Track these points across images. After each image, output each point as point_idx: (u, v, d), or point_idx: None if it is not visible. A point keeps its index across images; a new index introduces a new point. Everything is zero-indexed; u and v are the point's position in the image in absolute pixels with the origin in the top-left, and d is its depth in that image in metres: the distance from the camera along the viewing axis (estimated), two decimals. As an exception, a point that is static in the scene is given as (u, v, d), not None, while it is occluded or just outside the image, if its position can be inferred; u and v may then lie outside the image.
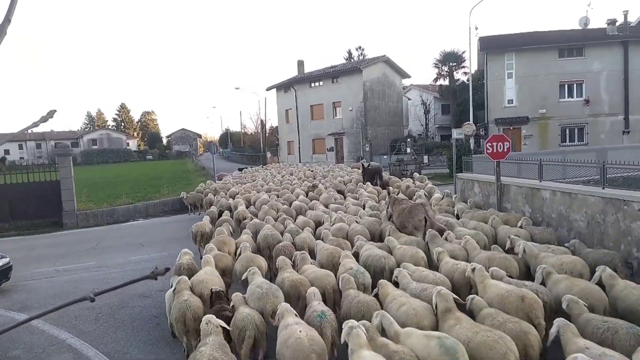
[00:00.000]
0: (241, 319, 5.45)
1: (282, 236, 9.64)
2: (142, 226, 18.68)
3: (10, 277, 10.42)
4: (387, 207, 10.85)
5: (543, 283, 6.30)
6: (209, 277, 7.04)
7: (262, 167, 35.47)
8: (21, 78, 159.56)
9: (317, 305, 5.68)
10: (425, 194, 14.81)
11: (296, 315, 5.38)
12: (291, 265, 7.51)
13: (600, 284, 5.96)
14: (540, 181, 10.58)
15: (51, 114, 1.52)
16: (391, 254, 7.91)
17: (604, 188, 8.50)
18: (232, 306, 5.97)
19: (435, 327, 5.16)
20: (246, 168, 34.00)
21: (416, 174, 19.77)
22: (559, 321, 4.74)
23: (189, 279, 6.94)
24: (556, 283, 6.11)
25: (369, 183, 17.14)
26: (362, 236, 9.20)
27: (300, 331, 4.79)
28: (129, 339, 7.32)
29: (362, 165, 20.46)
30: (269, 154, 52.69)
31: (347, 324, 4.63)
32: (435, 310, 5.32)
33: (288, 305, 5.58)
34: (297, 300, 6.31)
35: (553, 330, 4.70)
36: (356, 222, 10.65)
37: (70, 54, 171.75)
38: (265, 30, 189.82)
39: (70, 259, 12.93)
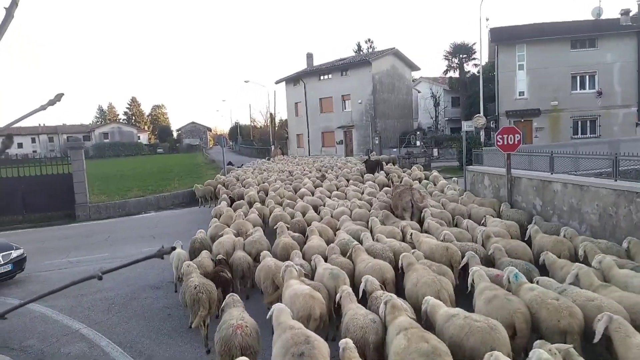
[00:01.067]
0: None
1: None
2: (153, 218, 18.84)
3: (24, 268, 10.61)
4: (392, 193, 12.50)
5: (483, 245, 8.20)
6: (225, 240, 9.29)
7: (268, 160, 35.44)
8: (33, 72, 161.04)
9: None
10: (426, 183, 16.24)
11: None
12: (287, 231, 9.74)
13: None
14: (552, 174, 10.50)
15: (59, 97, 1.53)
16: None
17: (616, 180, 8.41)
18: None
19: (395, 279, 6.95)
20: (231, 165, 30.86)
21: (414, 167, 20.08)
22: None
23: (201, 252, 8.82)
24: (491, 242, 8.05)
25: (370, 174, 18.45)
26: (347, 216, 11.03)
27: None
28: (141, 329, 7.43)
29: (367, 157, 22.42)
30: (273, 147, 52.70)
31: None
32: (401, 264, 6.98)
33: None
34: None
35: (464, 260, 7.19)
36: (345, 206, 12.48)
37: (82, 48, 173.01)
38: (274, 24, 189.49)
39: (82, 251, 13.10)
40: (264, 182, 19.19)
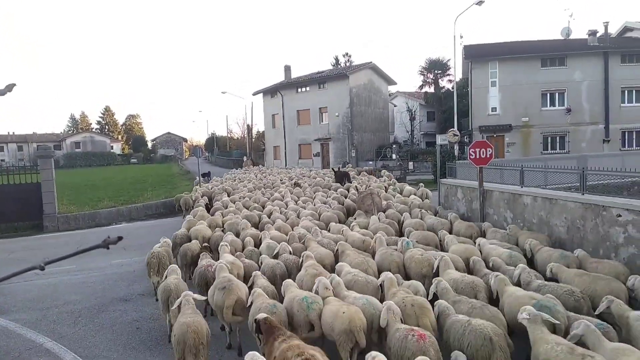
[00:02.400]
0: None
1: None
2: (124, 230, 18.43)
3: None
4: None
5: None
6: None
7: (242, 170, 35.37)
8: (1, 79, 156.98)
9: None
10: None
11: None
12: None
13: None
14: (522, 187, 10.74)
15: (10, 87, 1.49)
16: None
17: (583, 194, 8.65)
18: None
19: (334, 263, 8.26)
20: (207, 177, 30.50)
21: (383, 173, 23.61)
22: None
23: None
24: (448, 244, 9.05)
25: (339, 183, 20.52)
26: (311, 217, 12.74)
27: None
28: (109, 343, 7.22)
29: (333, 169, 25.69)
30: (244, 158, 52.50)
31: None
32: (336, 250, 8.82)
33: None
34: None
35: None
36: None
37: (54, 56, 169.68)
38: (252, 35, 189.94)
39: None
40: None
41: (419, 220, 11.41)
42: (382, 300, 5.92)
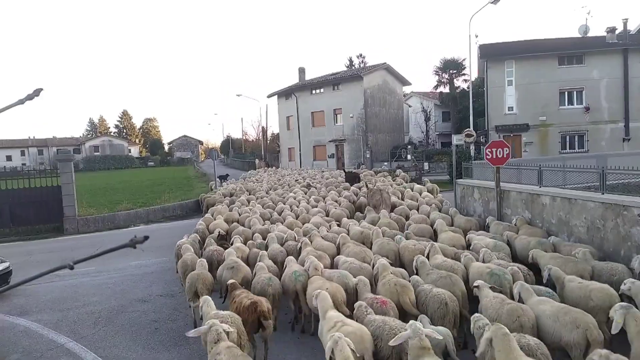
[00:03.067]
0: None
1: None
2: (142, 231, 18.64)
3: (10, 282, 10.42)
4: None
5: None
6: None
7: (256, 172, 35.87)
8: (23, 83, 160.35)
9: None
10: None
11: None
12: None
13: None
14: (540, 187, 10.59)
15: (37, 92, 1.53)
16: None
17: (603, 194, 8.51)
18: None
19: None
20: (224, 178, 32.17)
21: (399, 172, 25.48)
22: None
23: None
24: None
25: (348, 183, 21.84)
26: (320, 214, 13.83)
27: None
28: (128, 344, 7.32)
29: (344, 170, 28.04)
30: (257, 160, 52.75)
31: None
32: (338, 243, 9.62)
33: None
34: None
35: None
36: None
37: (72, 61, 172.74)
38: (266, 38, 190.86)
39: (70, 264, 12.92)
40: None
41: (422, 216, 12.55)
42: (376, 283, 7.02)
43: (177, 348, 7.02)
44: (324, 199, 17.45)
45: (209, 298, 6.15)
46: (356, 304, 5.96)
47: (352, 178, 22.57)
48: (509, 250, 8.70)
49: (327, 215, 13.78)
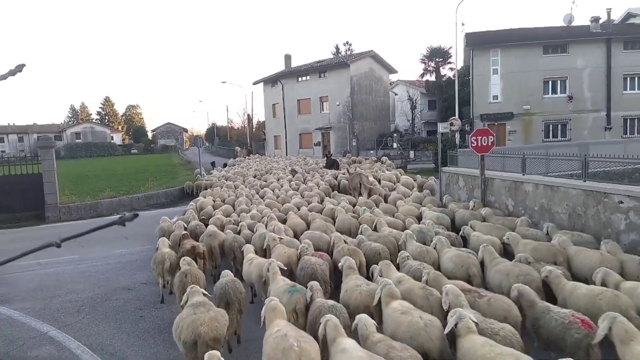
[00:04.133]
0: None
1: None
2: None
3: (-10, 270, 10.26)
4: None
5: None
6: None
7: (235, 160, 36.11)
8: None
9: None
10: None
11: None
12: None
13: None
14: (524, 175, 10.71)
15: (20, 67, 1.47)
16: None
17: (585, 181, 8.63)
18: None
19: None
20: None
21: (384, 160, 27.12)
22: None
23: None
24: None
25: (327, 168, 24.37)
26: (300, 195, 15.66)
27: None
28: (112, 332, 7.26)
29: (326, 155, 30.54)
30: (237, 148, 52.41)
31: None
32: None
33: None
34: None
35: None
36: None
37: (52, 45, 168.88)
38: (252, 24, 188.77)
39: (52, 252, 12.68)
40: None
41: (398, 195, 14.38)
42: (331, 252, 8.05)
43: (162, 335, 6.98)
44: (304, 182, 19.44)
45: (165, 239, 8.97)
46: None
47: (332, 163, 25.20)
48: (449, 221, 10.39)
49: (303, 198, 15.20)
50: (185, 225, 10.65)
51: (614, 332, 4.14)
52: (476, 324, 4.41)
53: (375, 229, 9.47)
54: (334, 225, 10.48)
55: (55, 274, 10.76)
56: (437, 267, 7.08)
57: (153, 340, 6.87)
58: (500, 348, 3.97)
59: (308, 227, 10.36)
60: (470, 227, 9.15)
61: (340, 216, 11.00)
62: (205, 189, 19.88)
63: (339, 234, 8.65)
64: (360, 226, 9.50)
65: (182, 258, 7.60)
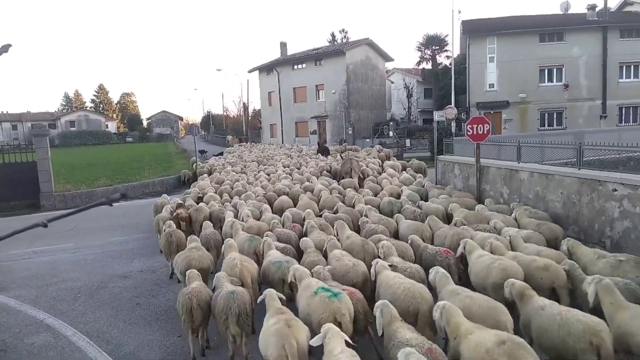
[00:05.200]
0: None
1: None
2: (121, 208, 18.42)
3: (-15, 259, 10.23)
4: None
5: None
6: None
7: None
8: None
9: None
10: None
11: None
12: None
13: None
14: (519, 163, 10.74)
15: (6, 47, 1.46)
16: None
17: (579, 169, 8.67)
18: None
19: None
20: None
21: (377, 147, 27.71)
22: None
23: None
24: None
25: (320, 154, 25.92)
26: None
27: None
28: (109, 319, 7.28)
29: (318, 143, 32.04)
30: (229, 137, 52.17)
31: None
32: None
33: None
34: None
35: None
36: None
37: (47, 32, 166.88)
38: (247, 11, 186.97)
39: (48, 241, 12.71)
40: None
41: (384, 176, 15.84)
42: (306, 235, 8.45)
43: (158, 323, 7.02)
44: (299, 167, 20.77)
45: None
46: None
47: (324, 150, 26.90)
48: (418, 198, 12.01)
49: (293, 180, 16.66)
50: (181, 202, 12.03)
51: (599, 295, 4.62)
52: (394, 266, 6.05)
53: (353, 206, 10.98)
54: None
55: (51, 262, 10.75)
56: (396, 233, 8.67)
57: (149, 327, 6.90)
58: (404, 279, 5.51)
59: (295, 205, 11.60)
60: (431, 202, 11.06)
61: (324, 196, 12.33)
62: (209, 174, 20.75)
63: (310, 210, 9.88)
64: (338, 203, 11.14)
65: (167, 221, 9.41)
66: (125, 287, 8.76)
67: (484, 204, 10.20)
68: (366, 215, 9.51)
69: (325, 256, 6.97)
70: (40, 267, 10.35)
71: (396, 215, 9.44)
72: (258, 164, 23.52)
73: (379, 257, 6.50)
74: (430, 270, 5.80)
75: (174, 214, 10.36)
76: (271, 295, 5.13)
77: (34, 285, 9.08)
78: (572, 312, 4.31)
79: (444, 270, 5.62)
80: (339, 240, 7.63)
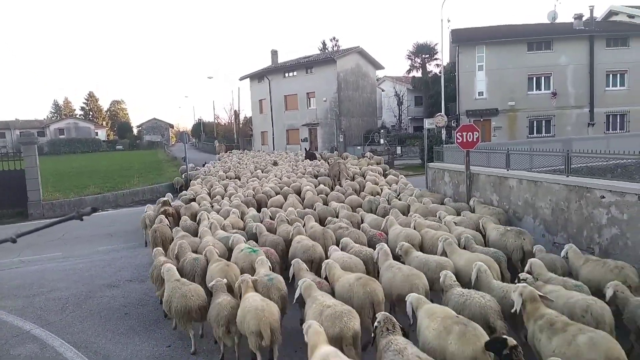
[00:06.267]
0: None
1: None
2: (110, 216, 18.28)
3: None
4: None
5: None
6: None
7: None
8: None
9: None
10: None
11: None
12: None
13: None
14: (508, 170, 10.82)
15: None
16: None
17: (568, 176, 8.74)
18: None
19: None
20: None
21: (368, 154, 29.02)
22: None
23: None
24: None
25: (307, 160, 27.16)
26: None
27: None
28: (97, 329, 7.19)
29: (305, 149, 33.88)
30: (216, 143, 51.99)
31: None
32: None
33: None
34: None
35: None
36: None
37: (36, 39, 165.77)
38: (238, 19, 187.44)
39: (35, 250, 12.55)
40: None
41: (372, 179, 17.19)
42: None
43: (147, 333, 6.94)
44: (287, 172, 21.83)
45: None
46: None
47: (311, 156, 28.28)
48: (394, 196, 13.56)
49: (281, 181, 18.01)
50: (166, 199, 13.28)
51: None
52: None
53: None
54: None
55: (38, 271, 10.61)
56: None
57: (138, 337, 6.82)
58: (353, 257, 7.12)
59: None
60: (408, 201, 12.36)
61: (307, 196, 13.94)
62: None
63: (293, 208, 11.58)
64: (317, 202, 12.63)
65: (157, 217, 10.54)
66: (113, 296, 8.67)
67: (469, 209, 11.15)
68: (338, 212, 11.23)
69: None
70: (28, 276, 10.21)
71: (361, 212, 11.45)
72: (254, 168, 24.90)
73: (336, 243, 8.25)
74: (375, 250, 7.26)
75: (160, 210, 11.50)
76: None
77: (21, 295, 8.95)
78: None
79: (386, 248, 7.03)
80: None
